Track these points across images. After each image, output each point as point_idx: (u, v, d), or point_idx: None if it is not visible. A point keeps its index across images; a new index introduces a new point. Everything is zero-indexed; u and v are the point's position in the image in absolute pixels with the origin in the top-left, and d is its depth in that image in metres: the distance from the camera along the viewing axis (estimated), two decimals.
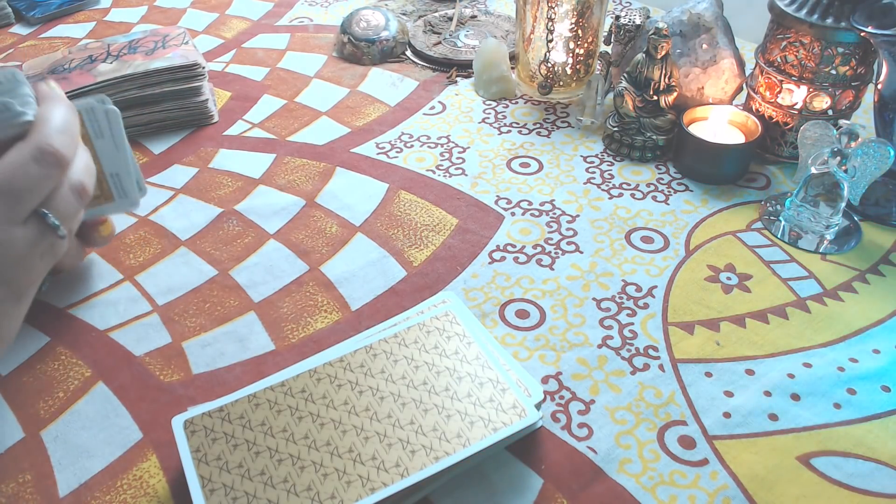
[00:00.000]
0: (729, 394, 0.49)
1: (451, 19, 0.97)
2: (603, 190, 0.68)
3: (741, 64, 0.71)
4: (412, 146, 0.75)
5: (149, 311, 0.57)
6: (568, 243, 0.62)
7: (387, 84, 0.86)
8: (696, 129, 0.69)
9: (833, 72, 0.64)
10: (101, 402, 0.50)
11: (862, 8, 0.60)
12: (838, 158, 0.58)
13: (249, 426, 0.44)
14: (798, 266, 0.59)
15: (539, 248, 0.62)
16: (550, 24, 0.75)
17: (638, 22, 0.75)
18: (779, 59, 0.66)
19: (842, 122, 0.58)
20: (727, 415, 0.48)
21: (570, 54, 0.78)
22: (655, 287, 0.58)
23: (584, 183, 0.69)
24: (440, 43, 0.92)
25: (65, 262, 0.43)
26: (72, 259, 0.43)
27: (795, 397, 0.49)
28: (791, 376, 0.50)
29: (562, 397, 0.50)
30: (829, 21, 0.62)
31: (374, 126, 0.78)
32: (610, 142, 0.73)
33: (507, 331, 0.54)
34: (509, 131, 0.77)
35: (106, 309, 0.57)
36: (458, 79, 0.86)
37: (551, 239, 0.63)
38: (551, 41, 0.76)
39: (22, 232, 0.39)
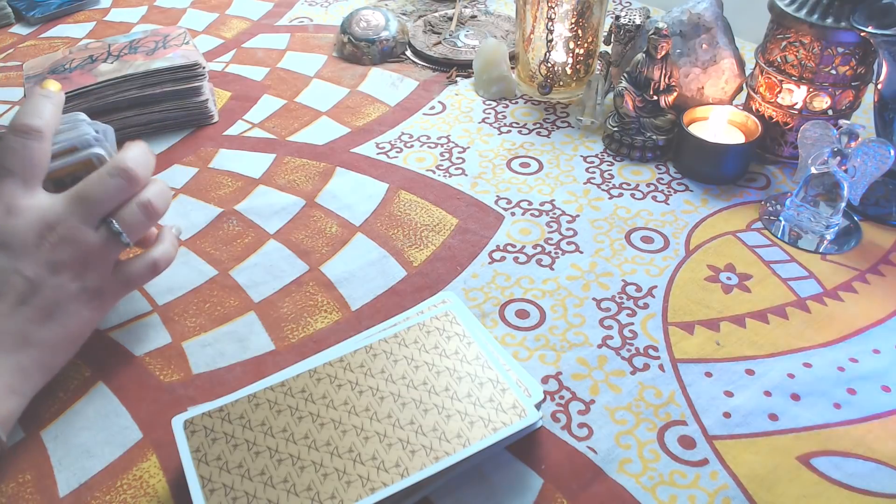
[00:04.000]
0: (729, 394, 0.49)
1: (451, 19, 0.97)
2: (603, 190, 0.68)
3: (741, 64, 0.71)
4: (412, 146, 0.75)
5: (149, 311, 0.57)
6: (568, 243, 0.62)
7: (387, 84, 0.86)
8: (696, 129, 0.69)
9: (833, 72, 0.64)
10: (101, 402, 0.50)
11: (862, 8, 0.60)
12: (838, 158, 0.58)
13: (249, 426, 0.44)
14: (798, 266, 0.59)
15: (539, 248, 0.62)
16: (550, 24, 0.75)
17: (638, 22, 0.75)
18: (779, 59, 0.66)
19: (842, 122, 0.58)
20: (727, 415, 0.48)
21: (570, 54, 0.78)
22: (655, 287, 0.58)
23: (584, 183, 0.69)
24: (440, 43, 0.92)
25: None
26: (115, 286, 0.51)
27: (795, 397, 0.49)
28: (791, 376, 0.50)
29: (562, 397, 0.50)
30: (829, 21, 0.62)
31: (374, 126, 0.78)
32: (610, 142, 0.73)
33: (507, 331, 0.54)
34: (509, 131, 0.77)
35: None
36: (458, 79, 0.86)
37: (551, 239, 0.63)
38: (551, 41, 0.76)
39: (94, 235, 0.47)
